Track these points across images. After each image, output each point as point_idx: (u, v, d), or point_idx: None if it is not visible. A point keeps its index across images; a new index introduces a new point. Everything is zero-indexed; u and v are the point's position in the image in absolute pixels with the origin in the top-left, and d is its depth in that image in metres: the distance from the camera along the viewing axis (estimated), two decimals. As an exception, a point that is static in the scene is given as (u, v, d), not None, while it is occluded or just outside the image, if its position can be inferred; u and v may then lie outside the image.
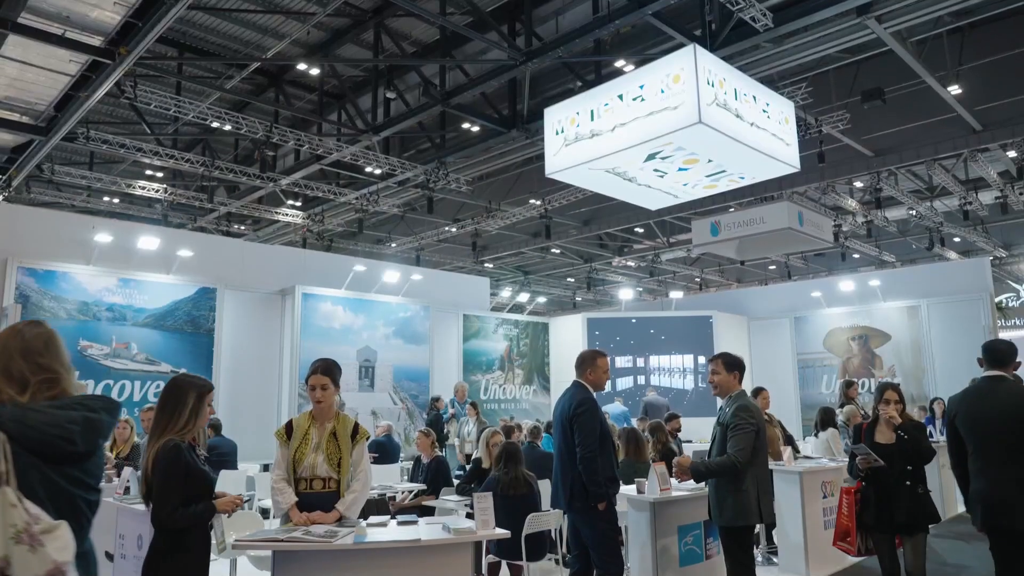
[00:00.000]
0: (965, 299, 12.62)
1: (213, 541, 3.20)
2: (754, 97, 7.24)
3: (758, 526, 6.36)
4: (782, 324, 14.72)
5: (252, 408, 10.38)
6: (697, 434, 10.97)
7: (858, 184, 15.05)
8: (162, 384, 9.71)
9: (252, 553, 4.75)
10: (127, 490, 5.32)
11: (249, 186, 14.58)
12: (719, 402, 4.48)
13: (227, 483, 7.76)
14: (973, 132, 11.87)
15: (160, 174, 14.73)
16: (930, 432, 9.64)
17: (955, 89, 10.51)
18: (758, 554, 6.51)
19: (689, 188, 8.52)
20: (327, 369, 3.91)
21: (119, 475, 5.74)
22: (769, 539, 7.02)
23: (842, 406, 9.03)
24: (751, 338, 15.21)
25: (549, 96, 11.20)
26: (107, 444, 7.15)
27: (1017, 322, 22.55)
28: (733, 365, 4.41)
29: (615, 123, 7.07)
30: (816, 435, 8.40)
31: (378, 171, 13.29)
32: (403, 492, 6.98)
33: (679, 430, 8.79)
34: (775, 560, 6.74)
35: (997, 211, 15.59)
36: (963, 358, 12.31)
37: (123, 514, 4.78)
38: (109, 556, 5.13)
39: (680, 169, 7.75)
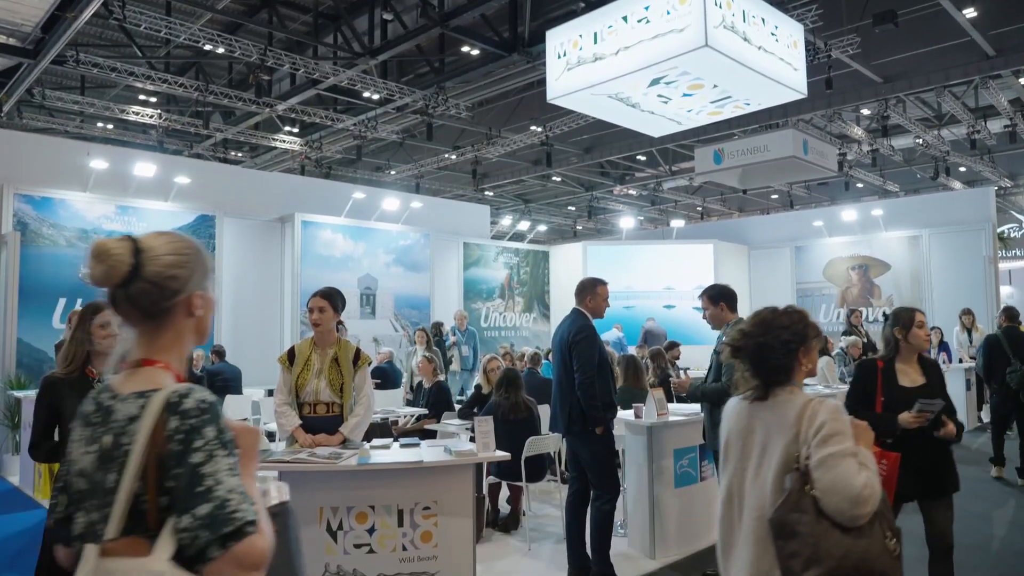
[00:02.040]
0: (967, 229, 12.58)
1: None
2: (763, 19, 7.03)
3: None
4: (782, 253, 14.73)
5: (255, 335, 10.48)
6: (696, 362, 11.12)
7: (865, 111, 14.76)
8: (165, 311, 9.84)
9: (259, 474, 4.88)
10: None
11: (245, 112, 14.30)
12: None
13: (232, 407, 7.93)
14: (986, 58, 11.56)
15: (153, 99, 14.42)
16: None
17: (970, 12, 10.17)
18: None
19: (693, 114, 8.38)
20: (326, 294, 3.94)
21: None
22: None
23: (846, 334, 9.11)
24: (751, 267, 15.24)
25: (551, 18, 10.84)
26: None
27: (1018, 252, 22.55)
28: (718, 297, 4.45)
29: (619, 46, 6.89)
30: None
31: (376, 96, 13.00)
32: (405, 416, 7.13)
33: (678, 358, 8.92)
34: (767, 482, 6.94)
35: (1005, 140, 15.33)
36: (962, 288, 12.38)
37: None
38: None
39: (685, 95, 7.60)
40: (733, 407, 2.21)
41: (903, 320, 3.47)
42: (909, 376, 3.43)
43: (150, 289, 1.28)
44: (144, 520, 1.17)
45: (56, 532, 1.29)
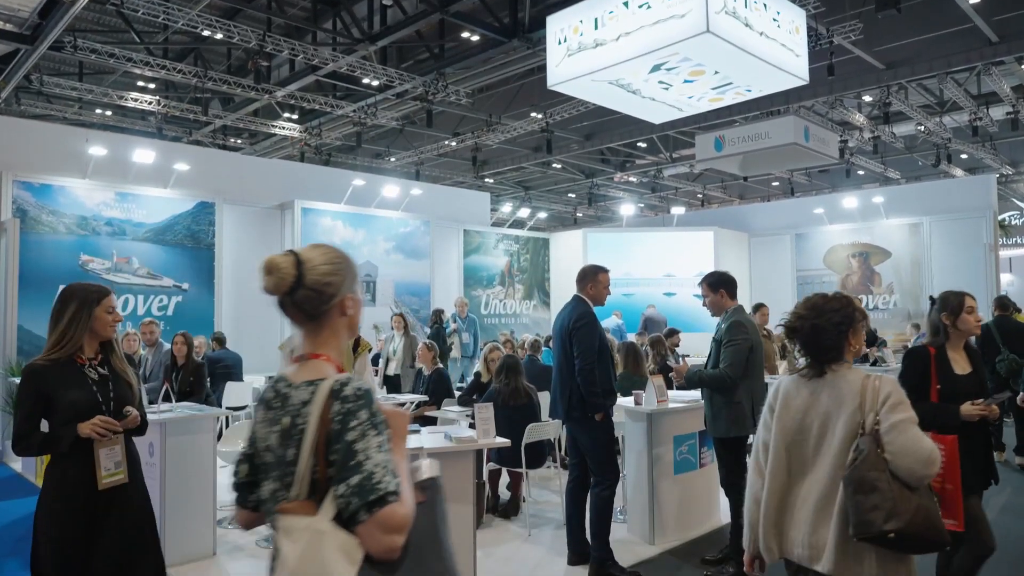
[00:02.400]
0: (968, 217, 12.56)
1: (99, 474, 2.69)
2: (764, 5, 6.98)
3: (751, 436, 6.57)
4: (783, 240, 14.72)
5: (255, 322, 10.49)
6: (696, 349, 11.14)
7: (867, 98, 14.69)
8: (165, 299, 9.83)
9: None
10: (136, 400, 5.43)
11: (244, 98, 14.24)
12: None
13: (232, 395, 7.96)
14: (989, 44, 11.49)
15: (152, 85, 14.35)
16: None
17: (973, -4, 10.11)
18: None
19: (694, 101, 8.35)
20: None
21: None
22: (761, 449, 7.23)
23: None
24: (751, 254, 15.23)
25: (552, 3, 10.76)
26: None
27: (1019, 240, 22.53)
28: (718, 284, 4.47)
29: (620, 32, 6.85)
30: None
31: (375, 83, 12.94)
32: (405, 404, 7.15)
33: (678, 345, 8.93)
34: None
35: (1007, 127, 15.27)
36: (962, 276, 12.37)
37: (133, 423, 4.91)
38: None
39: (686, 81, 7.56)
40: (787, 385, 2.37)
41: (951, 305, 3.32)
42: (959, 363, 3.31)
43: (311, 295, 1.52)
44: (315, 487, 1.40)
45: (237, 494, 1.57)
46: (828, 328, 2.30)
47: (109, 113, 15.53)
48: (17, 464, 7.60)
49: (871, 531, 2.02)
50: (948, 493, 2.90)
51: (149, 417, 4.65)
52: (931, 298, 3.52)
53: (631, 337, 10.26)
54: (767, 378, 5.15)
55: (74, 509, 2.62)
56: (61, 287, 2.85)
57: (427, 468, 1.58)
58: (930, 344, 3.38)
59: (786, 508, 2.28)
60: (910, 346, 9.36)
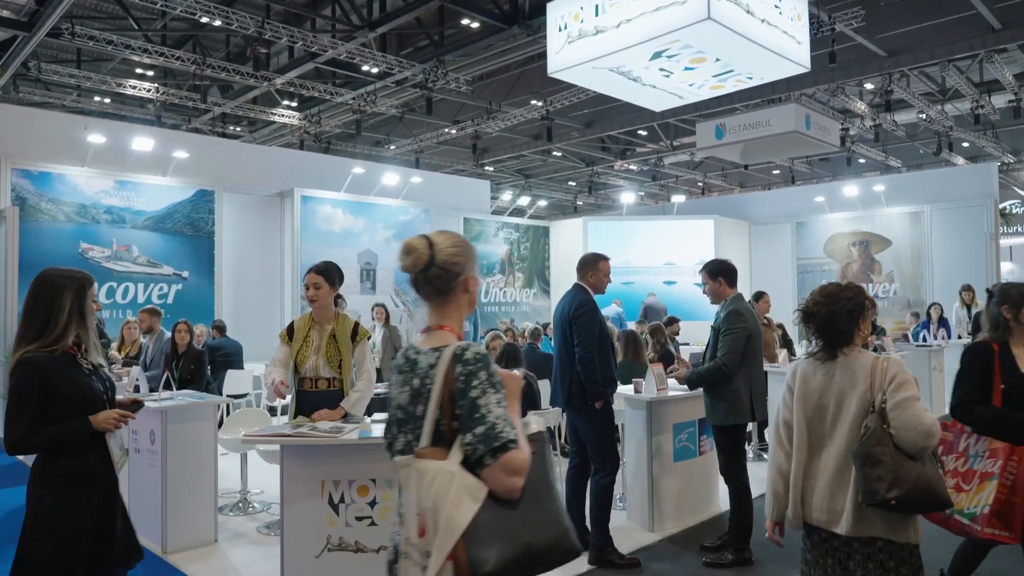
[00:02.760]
0: (969, 205, 12.54)
1: (114, 460, 2.68)
2: (766, -9, 6.93)
3: (750, 424, 6.59)
4: (783, 229, 14.70)
5: (256, 310, 10.51)
6: (696, 337, 11.15)
7: (869, 86, 14.62)
8: (165, 287, 9.82)
9: (261, 448, 4.92)
10: (136, 388, 5.45)
11: (243, 85, 14.17)
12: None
13: (233, 382, 7.97)
14: (992, 31, 11.42)
15: (150, 72, 14.28)
16: (924, 337, 9.80)
17: (977, -16, 10.04)
18: (750, 451, 6.75)
19: (695, 88, 8.31)
20: (320, 269, 3.92)
21: (128, 374, 5.87)
22: (761, 437, 7.27)
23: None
24: (752, 243, 15.21)
25: (552, -10, 10.71)
26: (115, 344, 7.28)
27: (1020, 229, 22.50)
28: (717, 272, 4.46)
29: (620, 19, 6.80)
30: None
31: (375, 70, 12.88)
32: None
33: (678, 333, 8.94)
34: (765, 456, 6.99)
35: (1009, 115, 15.21)
36: (962, 264, 12.38)
37: (134, 411, 4.92)
38: (124, 451, 5.32)
39: (686, 68, 7.52)
40: (804, 367, 2.60)
41: (1013, 298, 3.10)
42: (1023, 360, 3.07)
43: (441, 273, 1.76)
44: (443, 437, 1.65)
45: (389, 451, 1.79)
46: (842, 314, 2.51)
47: (108, 101, 15.46)
48: (19, 452, 7.62)
49: (876, 499, 2.28)
50: (1013, 506, 2.81)
51: (150, 405, 4.66)
52: (988, 290, 3.33)
53: (631, 325, 10.26)
54: (766, 366, 5.17)
55: (88, 498, 2.56)
56: (40, 272, 2.72)
57: (535, 424, 1.77)
58: (992, 340, 3.14)
59: (807, 478, 2.51)
60: (915, 339, 9.30)
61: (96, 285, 2.75)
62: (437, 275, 1.76)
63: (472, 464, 1.60)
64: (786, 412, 2.60)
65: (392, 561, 1.73)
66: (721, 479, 4.58)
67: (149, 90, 13.80)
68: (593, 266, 4.46)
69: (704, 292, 4.57)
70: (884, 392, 2.37)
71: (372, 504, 3.51)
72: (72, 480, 2.55)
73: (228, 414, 6.76)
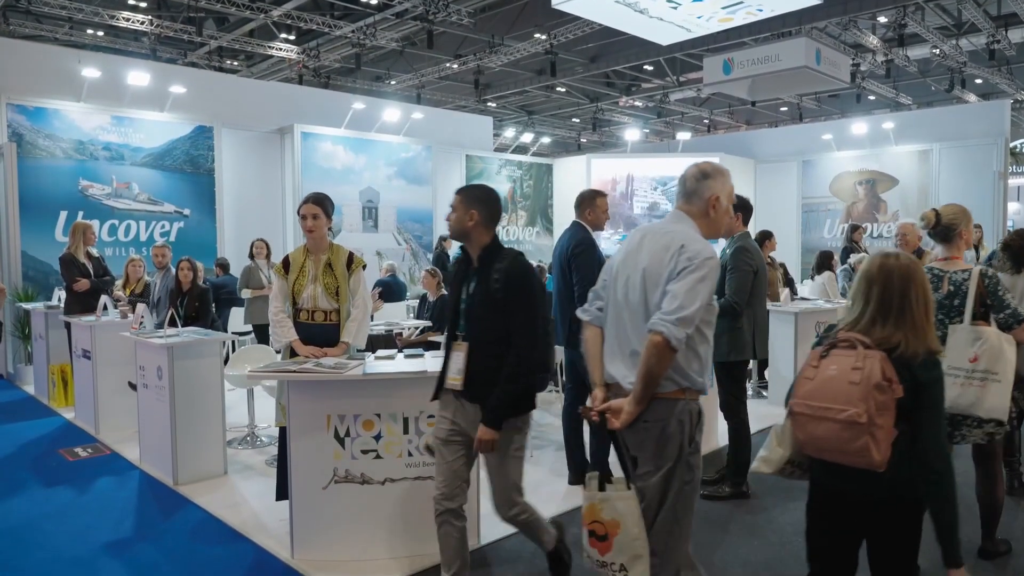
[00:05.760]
0: (979, 143, 12.33)
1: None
2: (780, -83, 6.67)
3: (751, 362, 6.64)
4: (789, 167, 14.52)
5: (258, 248, 10.48)
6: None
7: (882, 19, 14.21)
8: (167, 224, 9.80)
9: (266, 383, 4.99)
10: (142, 324, 5.49)
11: (239, 18, 13.82)
12: (722, 242, 4.50)
13: (236, 318, 8.03)
14: (1012, -40, 11.05)
15: (144, 4, 13.92)
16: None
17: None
18: (749, 388, 6.83)
19: (703, 21, 8.10)
20: (317, 199, 3.93)
21: (134, 311, 5.91)
22: (760, 375, 7.35)
23: (845, 249, 8.97)
24: (757, 181, 15.06)
25: (557, -84, 10.30)
26: (119, 282, 7.31)
27: (1029, 168, 22.19)
28: (736, 207, 4.40)
29: (628, -53, 6.57)
30: (813, 278, 8.51)
31: (374, 1, 12.53)
32: (409, 328, 7.22)
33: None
34: (764, 394, 7.10)
35: (1025, 50, 14.86)
36: (970, 204, 12.17)
37: (140, 347, 4.98)
38: (132, 386, 5.41)
39: None
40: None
41: None
42: None
43: (944, 230, 3.27)
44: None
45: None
46: None
47: (101, 34, 15.10)
48: (30, 387, 7.76)
49: None
50: None
51: (156, 341, 4.71)
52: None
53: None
54: (768, 305, 5.18)
55: None
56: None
57: None
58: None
59: None
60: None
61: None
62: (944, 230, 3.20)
63: (1004, 328, 2.88)
64: None
65: None
66: (720, 415, 4.65)
67: (143, 22, 13.47)
68: (591, 203, 4.43)
69: None
70: None
71: (377, 438, 3.57)
72: None
73: (233, 351, 6.83)
